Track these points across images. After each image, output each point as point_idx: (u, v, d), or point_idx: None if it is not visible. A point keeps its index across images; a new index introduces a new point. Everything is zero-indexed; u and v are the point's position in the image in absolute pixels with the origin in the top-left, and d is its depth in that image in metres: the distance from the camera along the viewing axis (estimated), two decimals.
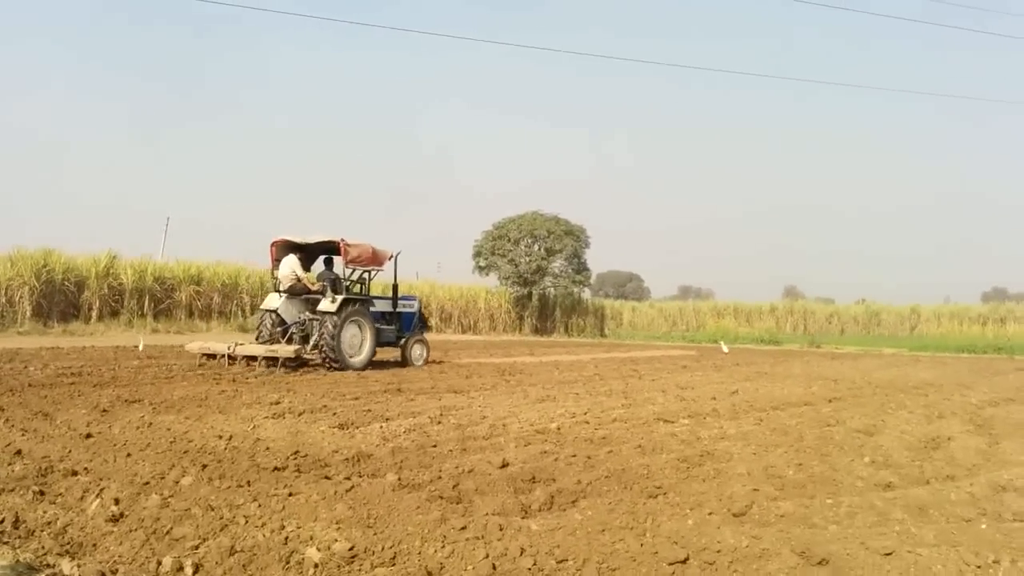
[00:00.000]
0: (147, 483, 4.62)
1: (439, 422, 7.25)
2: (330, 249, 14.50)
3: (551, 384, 11.49)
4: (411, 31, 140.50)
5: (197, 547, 3.45)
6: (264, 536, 3.58)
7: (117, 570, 3.17)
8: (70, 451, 5.53)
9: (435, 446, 6.05)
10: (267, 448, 5.79)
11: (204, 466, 5.13)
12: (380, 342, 14.46)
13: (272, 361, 12.59)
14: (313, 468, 5.20)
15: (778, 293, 71.45)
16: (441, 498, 4.43)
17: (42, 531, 3.67)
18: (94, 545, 3.51)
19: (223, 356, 13.14)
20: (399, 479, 4.82)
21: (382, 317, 14.91)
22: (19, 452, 5.41)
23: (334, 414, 7.56)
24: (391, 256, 14.82)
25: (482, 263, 40.89)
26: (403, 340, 15.25)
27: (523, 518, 4.07)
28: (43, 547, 3.45)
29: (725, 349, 25.81)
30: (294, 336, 13.88)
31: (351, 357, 13.38)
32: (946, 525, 4.05)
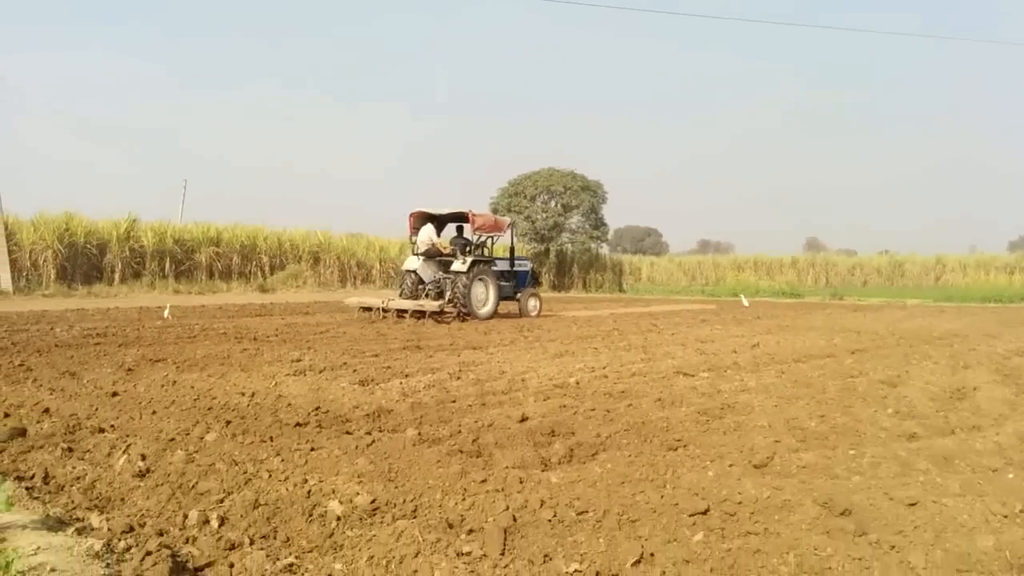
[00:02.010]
0: (172, 439, 4.68)
1: (458, 377, 7.27)
2: (460, 218, 17.04)
3: (569, 339, 11.49)
4: None
5: (222, 501, 3.49)
6: (287, 490, 3.62)
7: (144, 523, 3.22)
8: (97, 409, 5.61)
9: (454, 401, 6.07)
10: (289, 404, 5.84)
11: (228, 422, 5.19)
12: (501, 296, 16.73)
13: (419, 314, 14.95)
14: (334, 424, 5.24)
15: (799, 246, 70.92)
16: (461, 452, 4.45)
17: (71, 486, 3.74)
18: (122, 499, 3.57)
19: (378, 309, 15.60)
20: (419, 434, 4.85)
21: (502, 275, 17.16)
22: (47, 410, 5.50)
23: (354, 371, 7.61)
24: (508, 224, 17.90)
25: None
26: (518, 294, 17.57)
27: (543, 471, 4.08)
28: (72, 502, 3.51)
29: (745, 303, 25.60)
30: (429, 293, 16.29)
31: (479, 309, 15.81)
32: (972, 475, 4.01)
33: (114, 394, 6.24)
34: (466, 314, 15.41)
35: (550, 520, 3.28)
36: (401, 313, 15.28)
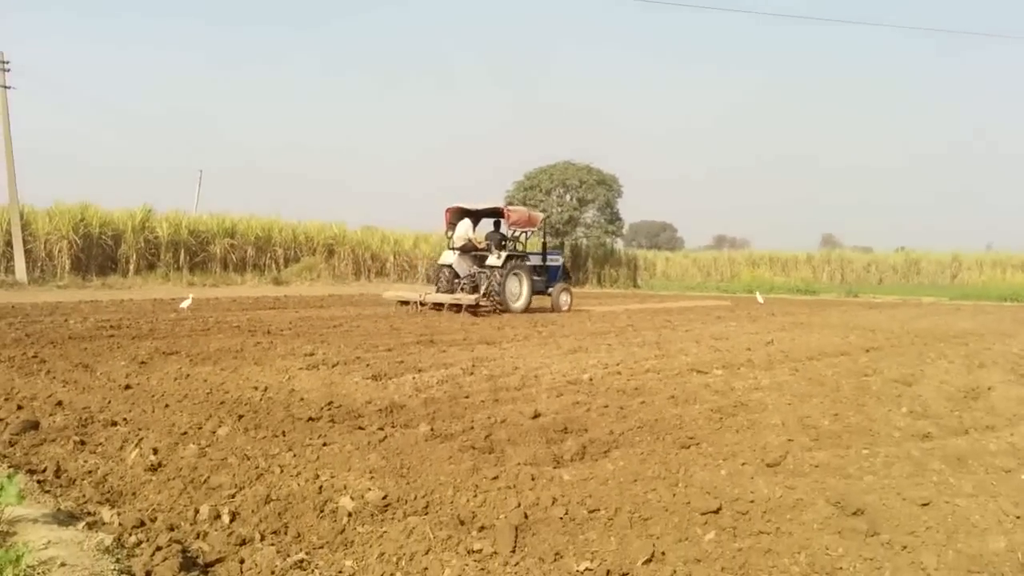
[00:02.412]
0: (185, 433, 4.70)
1: (471, 373, 7.27)
2: (495, 214, 17.45)
3: (583, 335, 11.47)
4: None
5: (234, 495, 3.50)
6: (299, 485, 3.62)
7: (156, 518, 3.23)
8: (110, 402, 5.64)
9: (467, 397, 6.07)
10: (302, 399, 5.85)
11: (240, 416, 5.21)
12: (534, 291, 17.05)
13: (456, 307, 15.24)
14: (347, 419, 5.25)
15: (815, 242, 70.51)
16: (473, 448, 4.45)
17: (83, 480, 3.76)
18: (133, 493, 3.59)
19: (415, 303, 15.98)
20: (432, 429, 4.85)
21: (535, 270, 17.44)
22: (60, 403, 5.53)
23: (367, 365, 7.62)
24: (542, 219, 18.18)
25: None
26: (550, 289, 17.73)
27: (555, 468, 4.07)
28: (84, 495, 3.53)
29: (760, 299, 25.52)
30: (464, 287, 16.52)
31: (513, 303, 16.26)
32: (985, 476, 3.98)
33: (127, 387, 6.27)
34: (501, 307, 15.81)
35: (562, 518, 3.27)
36: (438, 306, 15.60)
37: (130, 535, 3.00)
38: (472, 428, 4.96)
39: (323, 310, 16.49)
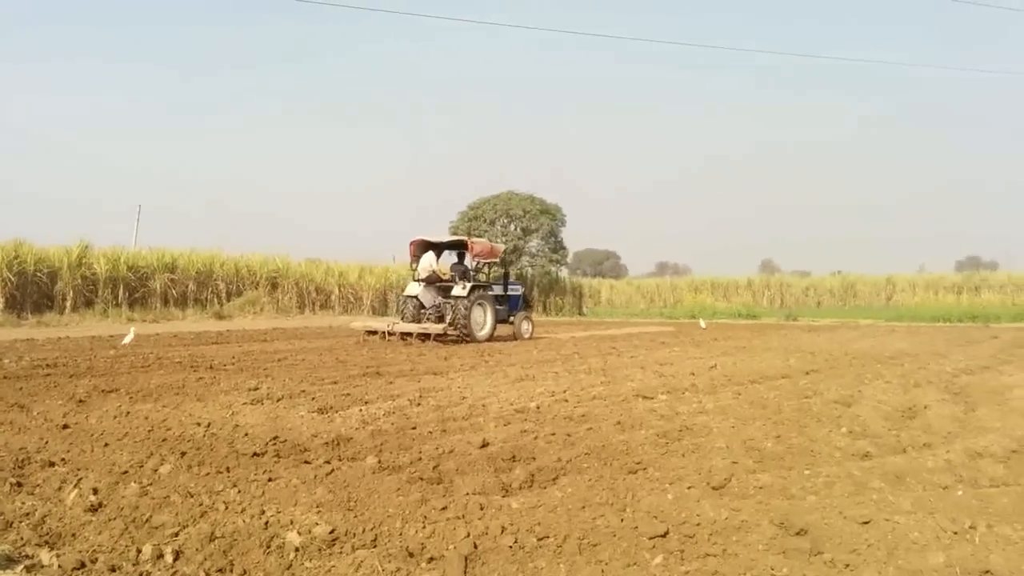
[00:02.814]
0: (125, 472, 4.58)
1: (418, 404, 7.24)
2: (459, 246, 18.22)
3: (530, 363, 11.51)
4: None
5: (177, 534, 3.43)
6: (244, 521, 3.57)
7: (97, 559, 3.14)
8: (47, 442, 5.47)
9: (415, 428, 6.04)
10: (246, 434, 5.75)
11: (183, 454, 5.10)
12: (497, 319, 17.66)
13: (424, 336, 15.96)
14: (293, 453, 5.18)
15: (755, 267, 71.95)
16: (421, 479, 4.43)
17: (20, 522, 3.63)
18: (73, 535, 3.49)
19: (383, 332, 16.66)
20: (379, 461, 4.82)
21: (497, 300, 18.11)
22: None
23: (313, 399, 7.53)
24: (503, 251, 18.89)
25: None
26: (512, 317, 18.48)
27: (504, 497, 4.08)
28: (22, 538, 3.41)
29: (703, 325, 26.00)
30: (430, 317, 17.23)
31: (478, 331, 16.82)
32: (923, 493, 4.10)
33: (65, 426, 6.09)
34: (466, 336, 16.42)
35: (511, 546, 3.28)
36: (405, 336, 16.26)
37: None
38: (420, 459, 4.94)
39: (267, 344, 16.24)
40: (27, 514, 3.74)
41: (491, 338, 17.16)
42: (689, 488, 4.20)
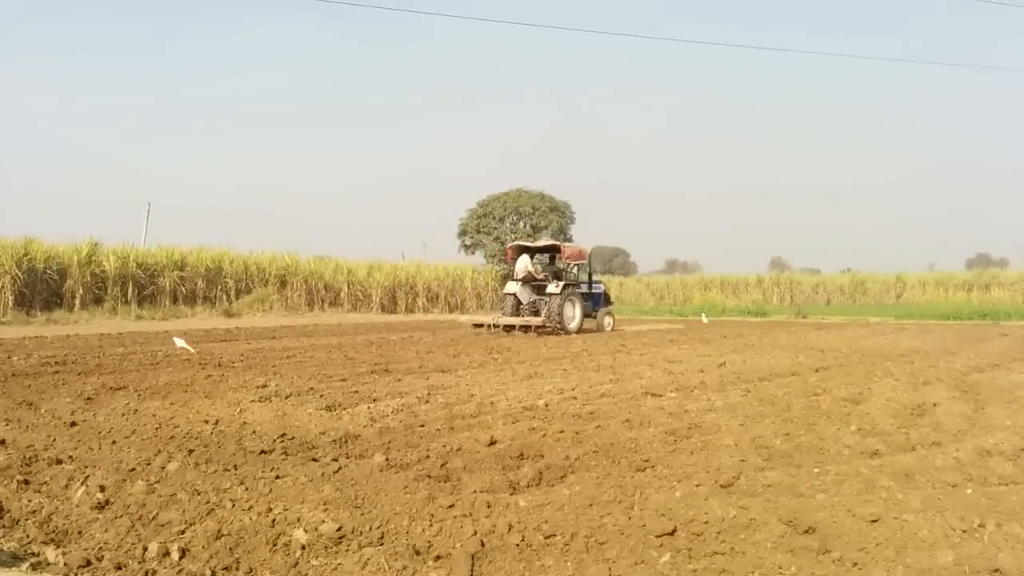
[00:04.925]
0: (133, 470, 4.59)
1: (427, 401, 7.23)
2: (552, 250, 21.00)
3: (539, 361, 11.49)
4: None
5: (183, 532, 3.43)
6: (251, 519, 3.56)
7: (103, 557, 3.15)
8: (55, 440, 5.49)
9: (423, 426, 6.04)
10: (254, 432, 5.76)
11: (190, 451, 5.10)
12: (584, 314, 19.63)
13: (525, 328, 18.39)
14: (300, 450, 5.18)
15: (764, 265, 71.76)
16: (429, 477, 4.43)
17: (27, 520, 3.65)
18: (79, 532, 3.49)
19: (489, 325, 19.47)
20: (387, 459, 4.81)
21: (584, 297, 20.04)
22: (3, 442, 5.36)
23: (321, 396, 7.53)
24: (589, 253, 21.17)
25: (468, 241, 40.81)
26: (595, 312, 20.48)
27: (511, 495, 4.07)
28: (28, 536, 3.42)
29: (705, 320, 26.10)
30: (526, 311, 19.43)
31: (569, 324, 18.75)
32: (932, 491, 4.07)
33: (73, 424, 6.11)
34: (559, 328, 18.44)
35: (518, 544, 3.26)
36: (508, 328, 18.74)
37: (76, 575, 2.92)
38: (428, 457, 4.93)
39: (276, 341, 16.26)
40: (34, 512, 3.75)
41: (579, 330, 19.07)
42: (697, 486, 4.17)
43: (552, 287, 18.92)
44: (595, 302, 20.88)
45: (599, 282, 22.27)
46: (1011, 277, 46.93)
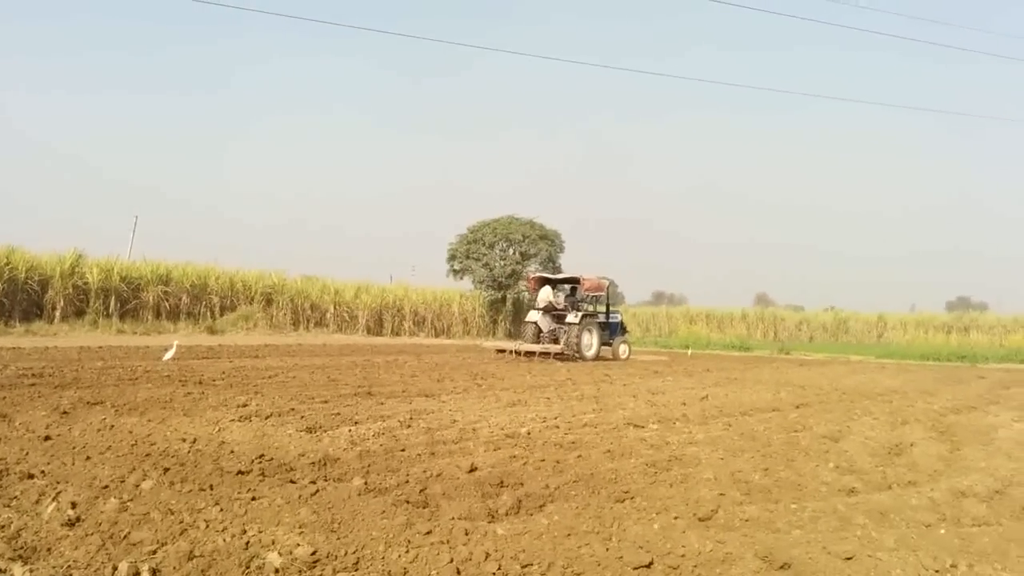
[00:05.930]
0: (106, 487, 4.53)
1: (408, 426, 7.20)
2: (572, 281, 22.20)
3: (522, 388, 11.47)
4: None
5: (155, 552, 3.39)
6: (224, 541, 3.52)
7: (71, 575, 3.10)
8: (27, 453, 5.42)
9: (403, 450, 6.01)
10: (232, 451, 5.71)
11: (166, 469, 5.05)
12: (601, 342, 20.88)
13: (545, 354, 19.33)
14: (278, 472, 5.14)
15: (749, 300, 72.01)
16: (407, 502, 4.40)
17: None
18: (48, 549, 3.44)
19: (512, 351, 20.14)
20: (366, 483, 4.78)
21: (601, 326, 21.32)
22: None
23: (302, 417, 7.48)
24: (607, 285, 22.44)
25: (456, 266, 40.71)
26: (611, 341, 21.62)
27: (490, 522, 4.05)
28: None
29: (689, 353, 26.34)
30: (546, 339, 20.71)
31: (587, 352, 20.07)
32: (906, 530, 4.09)
33: (47, 438, 6.03)
34: (577, 355, 19.72)
35: (494, 573, 3.25)
36: (529, 354, 19.55)
37: None
38: (407, 482, 4.91)
39: (259, 360, 16.16)
40: (2, 527, 3.68)
41: (596, 358, 20.28)
42: (676, 519, 4.17)
43: (571, 316, 20.28)
44: (612, 331, 21.99)
45: (616, 312, 23.37)
46: (989, 321, 47.51)
